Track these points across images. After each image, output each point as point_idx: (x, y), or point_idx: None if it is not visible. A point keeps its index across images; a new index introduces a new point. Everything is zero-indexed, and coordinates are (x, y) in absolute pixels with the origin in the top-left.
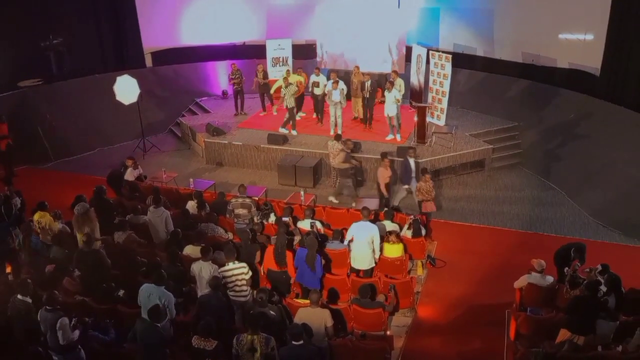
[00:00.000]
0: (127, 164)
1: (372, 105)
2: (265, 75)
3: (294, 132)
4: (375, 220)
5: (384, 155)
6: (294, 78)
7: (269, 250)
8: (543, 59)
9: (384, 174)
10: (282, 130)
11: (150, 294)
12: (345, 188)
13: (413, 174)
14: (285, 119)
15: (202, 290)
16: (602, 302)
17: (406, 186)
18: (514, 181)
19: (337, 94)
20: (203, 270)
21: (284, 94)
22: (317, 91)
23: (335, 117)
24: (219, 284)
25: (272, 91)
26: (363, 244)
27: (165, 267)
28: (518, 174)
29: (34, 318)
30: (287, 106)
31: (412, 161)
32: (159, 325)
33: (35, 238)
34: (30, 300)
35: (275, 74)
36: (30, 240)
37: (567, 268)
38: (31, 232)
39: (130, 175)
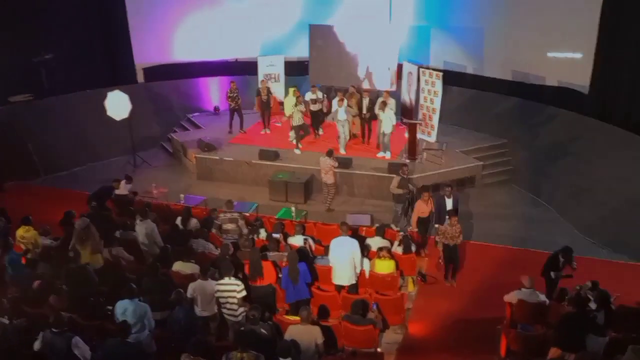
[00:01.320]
0: (113, 185)
1: (371, 121)
2: (269, 93)
3: (297, 151)
4: (356, 236)
5: (425, 188)
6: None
7: (246, 267)
8: (532, 76)
9: (421, 208)
10: (297, 151)
11: (125, 309)
12: (393, 212)
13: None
14: (297, 137)
15: (204, 308)
16: (591, 318)
17: (437, 225)
18: (504, 198)
19: (342, 112)
20: (208, 289)
21: (292, 112)
22: (314, 108)
23: (344, 134)
24: (181, 298)
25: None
26: (343, 260)
27: (147, 281)
28: (508, 190)
29: (9, 337)
30: (294, 124)
31: (449, 201)
32: (128, 340)
33: (14, 254)
34: (7, 321)
35: None
36: (8, 256)
37: (553, 272)
38: (9, 248)
39: (123, 189)
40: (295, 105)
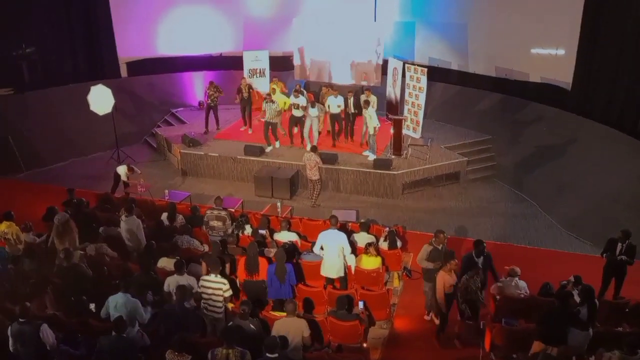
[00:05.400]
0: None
1: (354, 119)
2: (250, 90)
3: (276, 144)
4: (344, 229)
5: (449, 256)
6: (279, 97)
7: (242, 262)
8: (516, 73)
9: (447, 281)
10: (268, 148)
11: (116, 303)
12: (425, 293)
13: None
14: (265, 135)
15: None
16: (573, 312)
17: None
18: (488, 193)
19: (315, 110)
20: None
21: (264, 109)
22: (297, 113)
23: (310, 129)
24: (185, 294)
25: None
26: (332, 252)
27: (138, 277)
28: (492, 186)
29: None
30: (266, 120)
31: (480, 260)
32: (124, 335)
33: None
34: None
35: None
36: None
37: (605, 254)
38: None
39: (124, 175)
40: (266, 102)
